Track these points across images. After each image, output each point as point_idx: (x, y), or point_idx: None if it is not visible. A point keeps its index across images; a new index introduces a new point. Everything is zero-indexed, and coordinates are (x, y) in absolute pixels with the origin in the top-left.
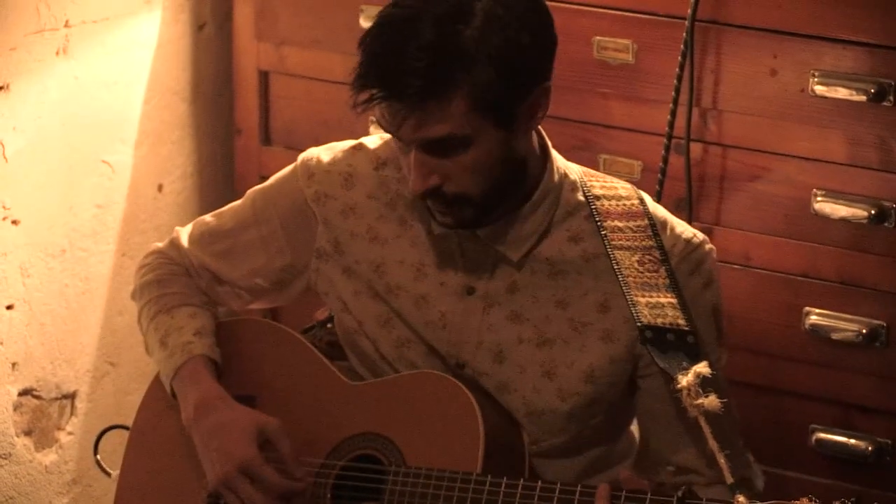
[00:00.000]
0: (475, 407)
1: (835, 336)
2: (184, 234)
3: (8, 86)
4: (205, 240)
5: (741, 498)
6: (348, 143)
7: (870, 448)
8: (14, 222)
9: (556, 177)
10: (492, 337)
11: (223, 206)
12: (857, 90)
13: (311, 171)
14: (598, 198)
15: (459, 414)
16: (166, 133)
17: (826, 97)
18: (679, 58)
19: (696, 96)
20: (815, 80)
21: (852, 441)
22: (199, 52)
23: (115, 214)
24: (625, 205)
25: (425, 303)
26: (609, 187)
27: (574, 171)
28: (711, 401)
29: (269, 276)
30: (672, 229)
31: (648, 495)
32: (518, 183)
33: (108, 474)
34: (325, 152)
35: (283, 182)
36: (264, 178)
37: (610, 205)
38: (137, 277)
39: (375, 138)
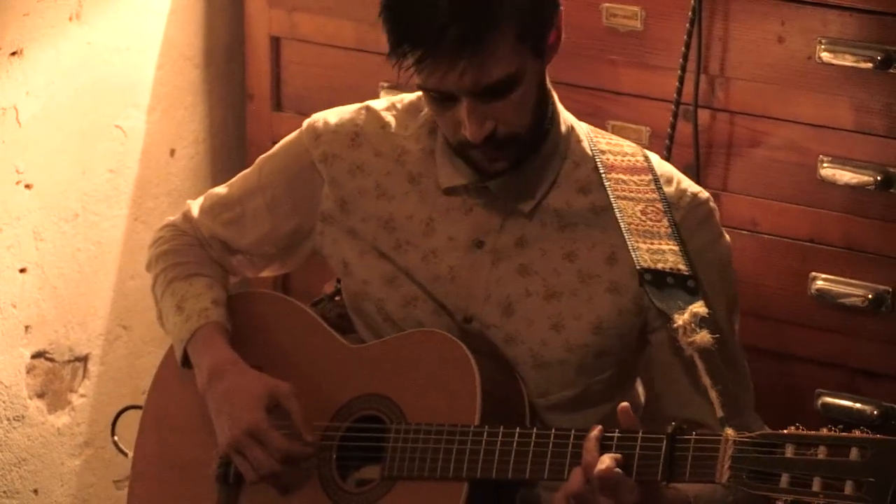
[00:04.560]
0: (471, 360)
1: (841, 301)
2: (195, 206)
3: (21, 51)
4: (214, 210)
5: (730, 431)
6: (355, 106)
7: (875, 412)
8: (27, 186)
9: (564, 128)
10: (500, 290)
11: (235, 170)
12: (864, 58)
13: (318, 133)
14: (603, 152)
15: (456, 369)
16: (179, 98)
17: (833, 64)
18: (687, 25)
19: (704, 63)
20: (822, 47)
21: (858, 405)
22: (211, 18)
23: (128, 179)
24: (629, 160)
25: (434, 257)
26: (614, 144)
27: (581, 125)
28: (703, 336)
29: (277, 242)
30: (678, 183)
31: (640, 433)
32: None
33: (126, 454)
34: (331, 114)
35: (289, 146)
36: (276, 144)
37: (615, 159)
38: (152, 248)
39: (383, 101)
